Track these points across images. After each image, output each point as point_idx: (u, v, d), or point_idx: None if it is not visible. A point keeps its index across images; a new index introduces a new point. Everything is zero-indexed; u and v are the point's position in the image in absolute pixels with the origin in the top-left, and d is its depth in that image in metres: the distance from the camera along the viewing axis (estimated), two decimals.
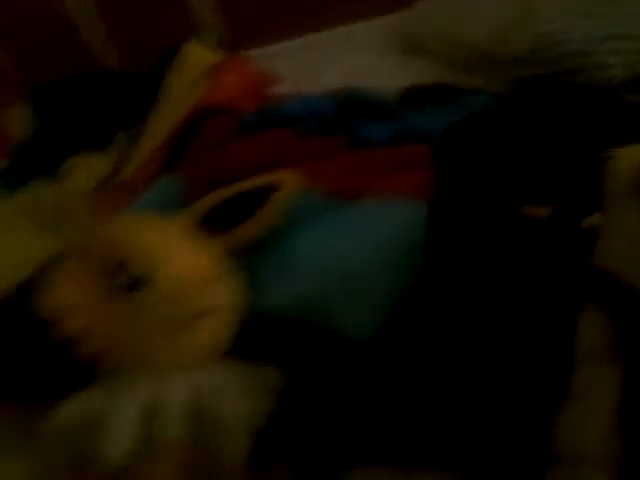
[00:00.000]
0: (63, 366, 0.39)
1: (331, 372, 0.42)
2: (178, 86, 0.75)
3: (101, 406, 0.37)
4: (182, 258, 0.41)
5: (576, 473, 0.37)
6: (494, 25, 0.78)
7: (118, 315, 0.39)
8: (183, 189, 0.57)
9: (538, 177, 0.40)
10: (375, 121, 0.62)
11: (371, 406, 0.40)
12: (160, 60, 0.78)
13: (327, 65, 0.91)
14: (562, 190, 0.40)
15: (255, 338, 0.45)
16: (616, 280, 0.42)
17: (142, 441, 0.36)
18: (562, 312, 0.40)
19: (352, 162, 0.56)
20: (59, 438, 0.37)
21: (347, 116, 0.63)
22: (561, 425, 0.38)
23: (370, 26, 0.99)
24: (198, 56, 0.77)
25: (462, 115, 0.54)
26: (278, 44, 1.00)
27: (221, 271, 0.41)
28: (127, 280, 0.39)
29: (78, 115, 0.84)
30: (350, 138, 0.60)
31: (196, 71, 0.75)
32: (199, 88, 0.71)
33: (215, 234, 0.45)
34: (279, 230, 0.51)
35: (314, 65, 0.91)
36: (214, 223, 0.46)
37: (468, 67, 0.81)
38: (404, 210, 0.50)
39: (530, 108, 0.45)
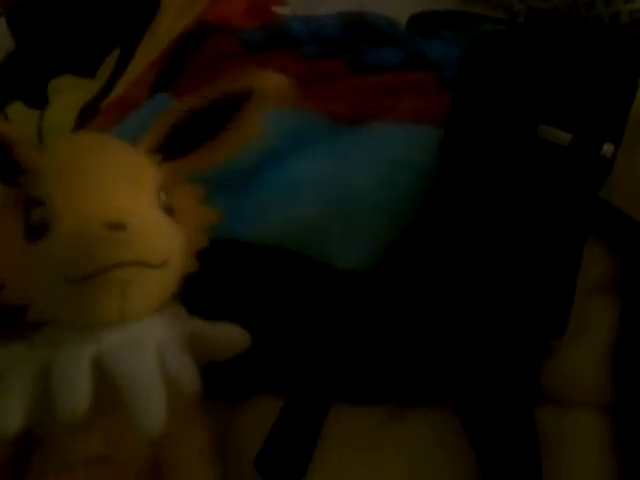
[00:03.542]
0: None
1: (321, 304, 0.41)
2: (177, 1, 0.70)
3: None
4: (81, 203, 0.32)
5: (567, 412, 0.36)
6: None
7: (32, 263, 0.32)
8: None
9: (559, 100, 0.38)
10: (385, 46, 0.58)
11: (361, 340, 0.39)
12: None
13: None
14: (584, 115, 0.38)
15: (240, 268, 0.43)
16: (621, 214, 0.41)
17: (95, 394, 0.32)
18: (568, 244, 0.38)
19: (358, 85, 0.53)
20: None
21: (355, 40, 0.60)
22: (554, 361, 0.38)
23: None
24: None
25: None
26: None
27: (130, 221, 0.31)
28: (39, 219, 0.32)
29: (64, 35, 0.78)
30: (358, 62, 0.56)
31: None
32: (198, 3, 0.67)
33: (175, 157, 0.37)
34: (277, 154, 0.49)
35: None
36: (182, 142, 0.38)
37: (482, 0, 0.78)
38: (411, 135, 0.47)
39: (546, 35, 0.42)
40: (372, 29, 0.62)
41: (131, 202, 0.34)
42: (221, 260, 0.42)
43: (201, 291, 0.38)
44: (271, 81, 0.38)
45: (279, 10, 0.70)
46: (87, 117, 0.64)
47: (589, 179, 0.38)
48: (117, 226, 0.31)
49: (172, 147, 0.38)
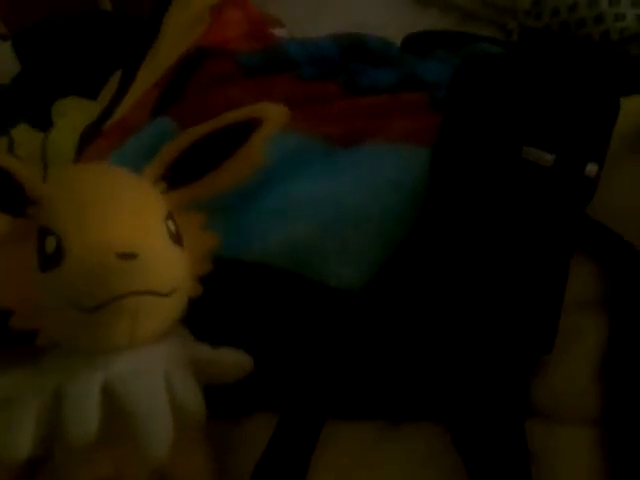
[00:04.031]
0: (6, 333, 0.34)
1: (316, 322, 0.42)
2: (177, 25, 0.72)
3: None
4: (92, 234, 0.33)
5: (554, 428, 0.37)
6: None
7: (44, 291, 0.33)
8: (174, 133, 0.54)
9: (542, 121, 0.39)
10: (379, 67, 0.59)
11: (355, 357, 0.39)
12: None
13: (330, 14, 0.88)
14: (567, 136, 0.39)
15: (239, 287, 0.44)
16: (608, 231, 0.41)
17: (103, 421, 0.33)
18: (554, 261, 0.39)
19: (352, 106, 0.54)
20: None
21: (350, 61, 0.61)
22: (544, 377, 0.38)
23: None
24: None
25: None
26: None
27: (141, 251, 0.32)
28: (53, 248, 0.33)
29: (68, 58, 0.80)
30: (353, 83, 0.57)
31: (197, 10, 0.72)
32: (199, 27, 0.69)
33: (182, 185, 0.39)
34: (274, 175, 0.50)
35: (316, 13, 0.89)
36: (186, 170, 0.39)
37: (478, 19, 0.79)
38: (403, 155, 0.48)
39: (537, 56, 0.43)
40: (367, 50, 0.63)
41: (141, 232, 0.34)
42: (221, 280, 0.42)
43: (203, 310, 0.38)
44: (277, 111, 0.40)
45: (276, 32, 0.72)
46: (89, 139, 0.65)
47: (574, 198, 0.39)
48: (128, 256, 0.31)
49: (177, 175, 0.39)
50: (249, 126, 0.39)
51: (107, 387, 0.33)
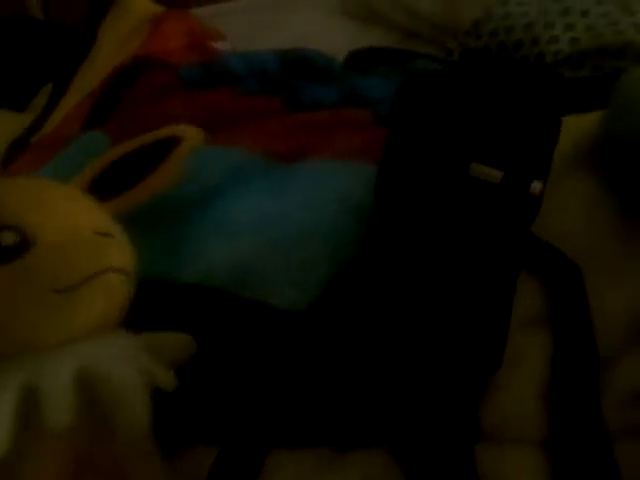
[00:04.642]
0: None
1: (257, 346, 0.40)
2: (113, 36, 0.70)
3: None
4: (62, 219, 0.35)
5: (503, 451, 0.36)
6: None
7: (7, 280, 0.33)
8: (107, 147, 0.52)
9: (489, 138, 0.39)
10: (321, 83, 0.59)
11: (297, 384, 0.38)
12: (97, 4, 0.72)
13: (273, 28, 0.88)
14: (513, 153, 0.39)
15: (170, 309, 0.42)
16: (550, 247, 0.41)
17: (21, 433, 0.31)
18: (501, 279, 0.39)
19: (294, 122, 0.53)
20: None
21: (291, 76, 0.60)
22: (491, 399, 0.37)
23: None
24: (141, 4, 0.71)
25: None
26: (221, 4, 0.96)
27: (111, 232, 0.35)
28: (11, 242, 0.33)
29: None
30: (294, 99, 0.57)
31: (135, 20, 0.70)
32: (137, 38, 0.67)
33: (109, 197, 0.40)
34: (214, 191, 0.48)
35: (259, 28, 0.88)
36: (112, 184, 0.42)
37: (420, 38, 0.80)
38: (348, 172, 0.48)
39: (478, 73, 0.44)
40: (310, 66, 0.63)
41: (104, 217, 0.37)
42: (157, 301, 0.41)
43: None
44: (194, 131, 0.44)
45: (219, 45, 0.71)
46: (16, 151, 0.62)
47: (520, 216, 0.39)
48: (105, 234, 0.35)
49: (102, 188, 0.40)
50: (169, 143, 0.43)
51: (82, 373, 0.32)
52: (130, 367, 0.34)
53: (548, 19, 0.70)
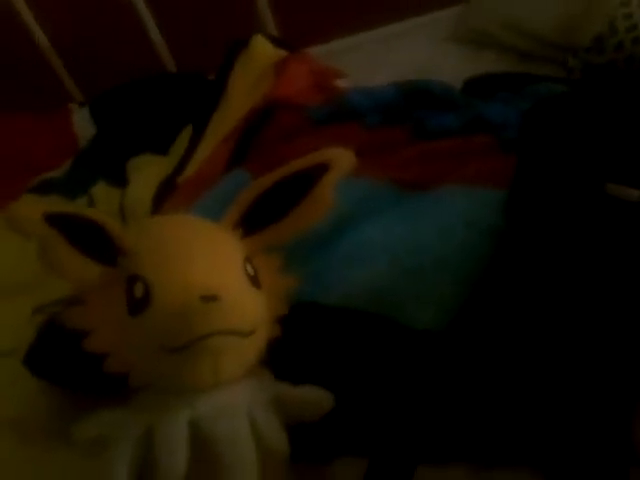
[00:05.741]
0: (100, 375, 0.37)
1: (401, 365, 0.41)
2: (243, 82, 0.75)
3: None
4: (175, 279, 0.35)
5: None
6: (562, 13, 0.76)
7: (134, 334, 0.36)
8: (249, 184, 0.57)
9: (623, 157, 0.38)
10: (443, 111, 0.61)
11: (444, 401, 0.39)
12: (226, 55, 0.78)
13: (388, 61, 0.90)
14: None
15: (320, 330, 0.45)
16: None
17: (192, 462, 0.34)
18: None
19: (422, 151, 0.55)
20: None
21: (413, 107, 0.62)
22: None
23: (429, 20, 0.98)
24: (265, 50, 0.77)
25: (532, 103, 0.53)
26: (332, 42, 1.00)
27: (220, 295, 0.34)
28: (141, 294, 0.35)
29: (139, 118, 0.85)
30: (418, 128, 0.59)
31: (261, 66, 0.75)
32: (266, 82, 0.72)
33: (255, 231, 0.40)
34: (349, 220, 0.51)
35: (375, 62, 0.91)
36: (261, 217, 0.40)
37: (536, 58, 0.79)
38: (476, 196, 0.49)
39: (606, 91, 0.43)
40: (430, 95, 0.65)
41: (222, 276, 0.37)
42: (302, 324, 0.43)
43: (285, 355, 0.39)
44: (343, 155, 0.41)
45: (340, 83, 0.74)
46: (165, 193, 0.69)
47: None
48: (210, 298, 0.34)
49: (252, 222, 0.41)
50: (317, 172, 0.41)
51: (193, 425, 0.35)
52: (238, 423, 0.35)
53: None
